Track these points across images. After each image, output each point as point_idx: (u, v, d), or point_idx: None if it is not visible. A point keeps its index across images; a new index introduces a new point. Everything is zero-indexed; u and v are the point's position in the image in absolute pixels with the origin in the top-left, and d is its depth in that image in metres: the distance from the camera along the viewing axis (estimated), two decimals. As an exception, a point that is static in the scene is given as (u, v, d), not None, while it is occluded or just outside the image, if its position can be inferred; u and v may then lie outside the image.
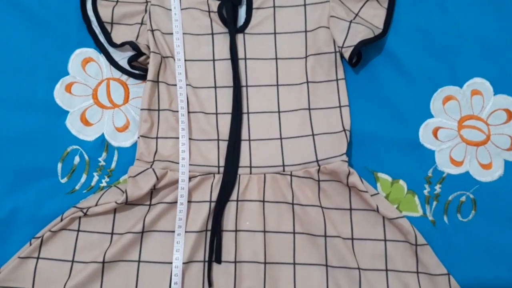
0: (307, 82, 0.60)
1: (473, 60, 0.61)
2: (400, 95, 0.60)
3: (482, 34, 0.62)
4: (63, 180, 0.58)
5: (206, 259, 0.54)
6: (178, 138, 0.58)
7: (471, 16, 0.62)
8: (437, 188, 0.58)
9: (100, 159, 0.59)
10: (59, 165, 0.58)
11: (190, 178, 0.56)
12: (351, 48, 0.59)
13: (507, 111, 0.60)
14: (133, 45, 0.59)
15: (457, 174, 0.58)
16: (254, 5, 0.63)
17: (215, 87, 0.60)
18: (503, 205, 0.56)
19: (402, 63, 0.61)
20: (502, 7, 0.62)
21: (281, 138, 0.58)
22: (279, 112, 0.59)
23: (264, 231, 0.55)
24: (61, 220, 0.54)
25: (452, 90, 0.61)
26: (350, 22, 0.60)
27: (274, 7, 0.63)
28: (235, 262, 0.54)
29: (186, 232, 0.54)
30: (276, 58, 0.61)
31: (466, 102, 0.60)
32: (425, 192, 0.58)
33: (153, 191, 0.56)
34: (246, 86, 0.60)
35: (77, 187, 0.58)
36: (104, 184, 0.58)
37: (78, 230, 0.55)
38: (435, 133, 0.59)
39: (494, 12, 0.62)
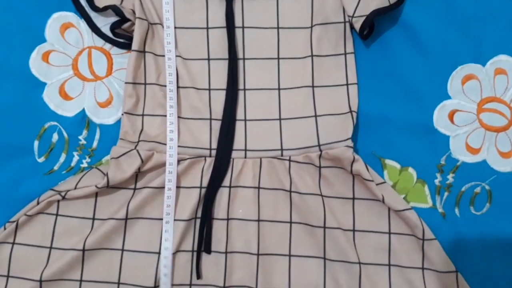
0: (312, 55, 0.53)
1: (499, 35, 0.54)
2: (415, 72, 0.53)
3: (509, 6, 0.54)
4: (40, 160, 0.52)
5: (195, 248, 0.49)
6: (166, 116, 0.51)
7: (501, -15, 0.54)
8: (450, 177, 0.52)
9: (80, 137, 0.53)
10: (36, 143, 0.52)
11: (179, 161, 0.50)
12: (363, 18, 0.51)
13: (534, 93, 0.53)
14: (116, 10, 0.52)
15: (473, 162, 0.52)
16: (255, -34, 0.55)
17: (208, 59, 0.53)
18: (521, 198, 0.51)
19: (419, 36, 0.54)
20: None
21: (280, 119, 0.52)
22: (279, 89, 0.52)
23: (258, 220, 0.49)
24: (38, 203, 0.49)
25: (473, 68, 0.53)
26: (363, -13, 0.53)
27: (277, -32, 0.55)
28: (225, 252, 0.49)
29: (174, 220, 0.49)
30: (278, 28, 0.54)
31: (488, 82, 0.53)
32: (436, 181, 0.52)
33: (138, 175, 0.50)
34: (243, 59, 0.53)
35: (55, 168, 0.52)
36: (85, 165, 0.52)
37: (57, 214, 0.50)
38: (451, 116, 0.53)
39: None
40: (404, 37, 0.54)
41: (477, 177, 0.52)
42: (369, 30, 0.53)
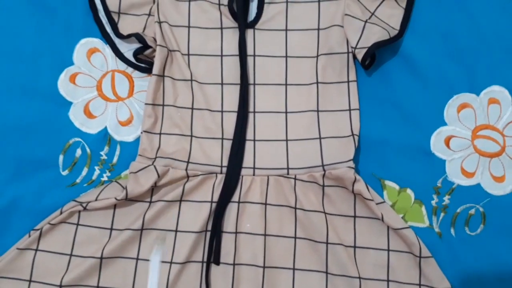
0: (317, 82, 0.56)
1: (493, 66, 0.57)
2: (414, 100, 0.57)
3: (505, 39, 0.57)
4: (64, 173, 0.56)
5: (205, 260, 0.52)
6: (181, 135, 0.55)
7: (495, 19, 0.58)
8: (446, 199, 0.54)
9: (102, 153, 0.56)
10: (61, 157, 0.56)
11: (192, 177, 0.54)
12: (365, 50, 0.55)
13: (525, 122, 0.56)
14: (139, 37, 0.56)
15: (467, 185, 0.54)
16: (266, 0, 0.59)
17: (222, 83, 0.57)
18: (514, 220, 0.53)
19: (417, 66, 0.57)
20: (528, 12, 0.58)
21: (286, 140, 0.55)
22: (286, 112, 0.56)
23: (265, 235, 0.52)
24: (61, 213, 0.52)
25: (468, 97, 0.56)
26: (366, 21, 0.56)
27: (287, 2, 0.59)
28: (233, 264, 0.51)
29: (185, 232, 0.52)
30: (286, 56, 0.57)
31: (482, 110, 0.56)
32: (433, 202, 0.54)
33: (153, 188, 0.53)
34: (254, 84, 0.57)
35: (78, 180, 0.55)
36: (105, 178, 0.56)
37: (78, 224, 0.53)
38: (447, 142, 0.56)
39: (519, 17, 0.58)
40: (403, 67, 0.58)
41: (472, 199, 0.54)
42: (371, 60, 0.56)
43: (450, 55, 0.57)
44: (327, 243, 0.51)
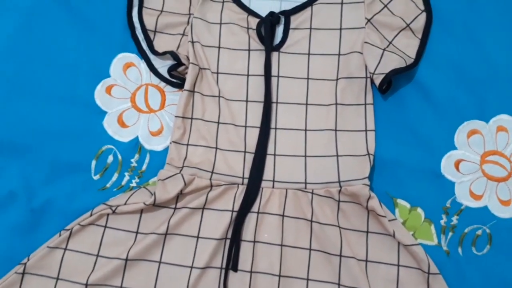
0: (336, 104, 0.59)
1: (502, 96, 0.59)
2: (426, 124, 0.59)
3: (513, 72, 0.60)
4: (96, 177, 0.58)
5: (224, 266, 0.54)
6: (207, 147, 0.58)
7: (505, 51, 0.61)
8: (454, 219, 0.56)
9: (132, 160, 0.59)
10: (93, 162, 0.58)
11: (215, 186, 0.56)
12: (382, 76, 0.58)
13: (531, 150, 0.58)
14: (174, 55, 0.59)
15: (475, 207, 0.56)
16: (292, 26, 0.62)
17: (247, 101, 0.60)
18: (519, 242, 0.55)
19: (431, 93, 0.60)
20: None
21: (305, 156, 0.57)
22: (305, 130, 0.58)
23: (282, 245, 0.54)
24: (91, 215, 0.55)
25: (478, 124, 0.59)
26: (384, 50, 0.59)
27: (310, 28, 0.62)
28: (250, 272, 0.53)
29: (207, 238, 0.54)
30: (308, 78, 0.60)
31: (490, 137, 0.58)
32: (442, 222, 0.56)
33: (179, 196, 0.56)
34: (276, 102, 0.60)
35: (108, 185, 0.58)
36: (134, 184, 0.58)
37: (105, 226, 0.55)
38: (457, 165, 0.58)
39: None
40: (418, 93, 0.60)
41: (479, 220, 0.56)
42: (387, 85, 0.59)
43: (461, 84, 0.60)
44: (340, 255, 0.53)
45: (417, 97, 0.60)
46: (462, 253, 0.55)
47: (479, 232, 0.55)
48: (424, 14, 0.61)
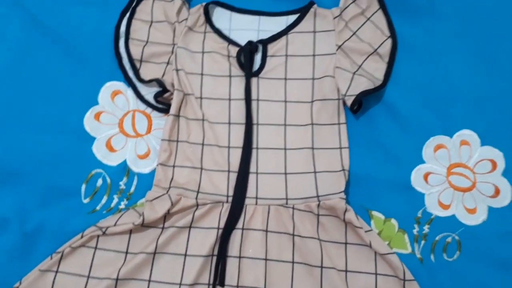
0: (312, 124, 0.62)
1: (463, 113, 0.64)
2: (395, 141, 0.63)
3: (473, 89, 0.65)
4: (86, 201, 0.60)
5: (211, 282, 0.55)
6: (192, 167, 0.60)
7: (465, 72, 0.65)
8: (426, 228, 0.59)
9: (121, 183, 0.61)
10: (83, 186, 0.60)
11: (201, 205, 0.58)
12: (353, 97, 0.62)
13: (492, 161, 0.62)
14: (159, 82, 0.62)
15: (444, 216, 0.60)
16: (269, 53, 0.66)
17: (229, 123, 0.63)
18: (485, 247, 0.58)
19: (398, 112, 0.64)
20: (494, 64, 0.65)
21: (285, 173, 0.60)
22: (285, 149, 0.61)
23: (266, 259, 0.56)
24: (82, 237, 0.56)
25: (443, 139, 0.63)
26: (354, 73, 0.64)
27: (286, 55, 0.66)
28: (237, 286, 0.55)
29: (194, 256, 0.56)
30: (285, 101, 0.64)
31: (455, 151, 0.63)
32: (414, 231, 0.59)
33: (166, 215, 0.58)
34: (257, 124, 0.63)
35: (97, 208, 0.59)
36: (122, 206, 0.60)
37: (96, 248, 0.56)
38: (425, 177, 0.61)
39: (486, 71, 0.65)
40: (386, 112, 0.64)
41: (448, 228, 0.59)
42: (358, 106, 0.63)
43: (426, 103, 0.64)
44: (321, 267, 0.55)
45: (386, 116, 0.64)
46: (435, 259, 0.58)
47: (449, 239, 0.59)
48: (390, 40, 0.66)
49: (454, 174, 0.62)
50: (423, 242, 0.59)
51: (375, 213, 0.60)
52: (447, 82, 0.65)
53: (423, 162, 0.62)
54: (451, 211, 0.60)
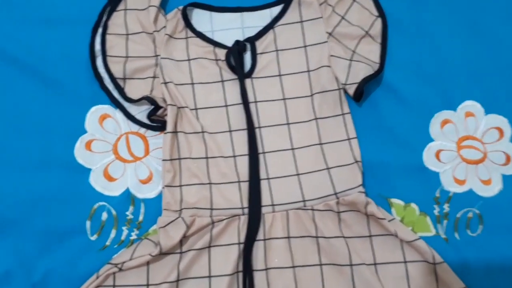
0: (316, 118, 0.59)
1: (463, 85, 0.62)
2: (401, 123, 0.60)
3: (468, 61, 0.63)
4: (93, 238, 0.55)
5: (241, 300, 0.52)
6: (200, 184, 0.56)
7: (457, 45, 0.64)
8: (446, 207, 0.58)
9: (127, 213, 0.56)
10: (88, 223, 0.55)
11: (217, 222, 0.54)
12: (355, 85, 0.59)
13: (499, 129, 0.61)
14: (149, 100, 0.57)
15: (461, 192, 0.58)
16: (258, 51, 0.62)
17: (230, 131, 0.59)
18: (507, 217, 0.57)
19: (399, 93, 0.61)
20: (485, 34, 0.64)
21: (298, 174, 0.57)
22: (292, 149, 0.58)
23: (293, 266, 0.53)
24: (97, 277, 0.51)
25: (447, 114, 0.61)
26: (350, 60, 0.61)
27: (276, 50, 0.62)
28: (269, 299, 0.52)
29: (219, 276, 0.52)
30: (284, 99, 0.60)
31: (461, 124, 0.61)
32: (435, 212, 0.57)
33: (182, 239, 0.54)
34: (259, 127, 0.59)
35: (107, 243, 0.55)
36: (134, 237, 0.55)
37: (114, 286, 0.52)
38: (437, 155, 0.60)
39: (478, 39, 0.64)
40: (388, 95, 0.62)
41: (468, 204, 0.58)
42: (360, 93, 0.60)
43: (425, 80, 0.62)
44: (351, 265, 0.53)
45: (388, 99, 0.61)
46: (459, 237, 0.56)
47: (470, 214, 0.57)
48: (379, 20, 0.63)
49: (465, 148, 0.60)
50: (445, 221, 0.57)
51: (394, 201, 0.58)
52: (442, 56, 0.63)
53: (431, 140, 0.60)
54: (467, 185, 0.58)
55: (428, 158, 0.59)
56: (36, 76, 0.60)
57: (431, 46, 0.64)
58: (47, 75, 0.60)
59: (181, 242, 0.54)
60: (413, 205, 0.58)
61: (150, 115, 0.58)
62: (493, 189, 0.58)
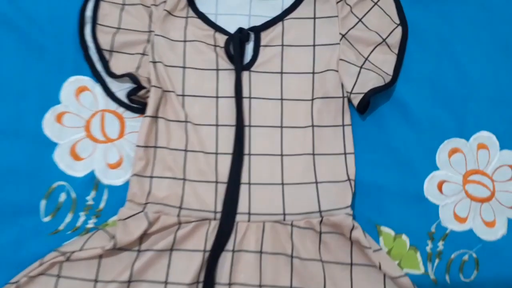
0: (313, 126, 0.53)
1: (481, 113, 0.55)
2: (407, 144, 0.54)
3: (492, 86, 0.56)
4: (46, 219, 0.49)
5: (197, 313, 0.46)
6: (173, 178, 0.50)
7: (482, 67, 0.57)
8: (440, 245, 0.51)
9: (88, 197, 0.50)
10: (43, 202, 0.49)
11: (184, 223, 0.49)
12: (361, 96, 0.52)
13: (512, 168, 0.54)
14: (133, 78, 0.51)
15: (460, 231, 0.52)
16: (262, 43, 0.56)
17: (217, 125, 0.53)
18: (505, 266, 0.50)
19: (409, 111, 0.55)
20: (514, 60, 0.57)
21: (282, 184, 0.51)
22: (282, 155, 0.52)
23: (260, 285, 0.47)
24: (41, 264, 0.46)
25: (458, 142, 0.55)
26: (360, 67, 0.54)
27: (282, 45, 0.56)
28: (227, 318, 0.46)
29: (176, 283, 0.46)
30: (282, 99, 0.54)
31: (472, 156, 0.54)
32: (428, 248, 0.51)
33: (143, 236, 0.48)
34: (249, 126, 0.53)
35: (60, 227, 0.49)
36: (90, 225, 0.49)
37: (59, 276, 0.46)
38: (440, 186, 0.53)
39: (506, 65, 0.57)
40: (396, 111, 0.55)
41: (465, 245, 0.51)
42: (365, 105, 0.53)
43: (440, 101, 0.56)
44: (324, 293, 0.47)
45: (396, 115, 0.55)
46: (450, 281, 0.50)
47: (466, 257, 0.51)
48: (400, 28, 0.56)
49: (471, 182, 0.54)
50: (437, 260, 0.51)
51: (384, 229, 0.51)
52: (463, 77, 0.56)
53: (436, 168, 0.54)
54: (468, 224, 0.52)
55: (430, 188, 0.53)
56: (19, 36, 0.54)
57: (452, 65, 0.57)
58: (31, 37, 0.54)
59: (141, 240, 0.48)
60: (404, 236, 0.51)
61: (130, 95, 0.52)
62: (496, 232, 0.52)
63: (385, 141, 0.54)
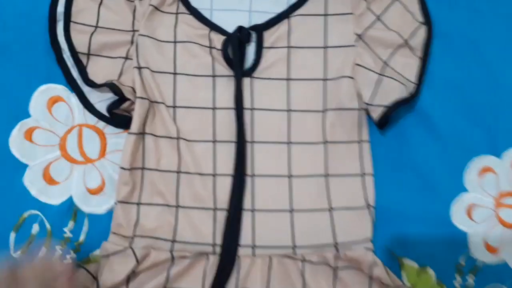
0: (325, 142, 0.46)
1: (514, 126, 0.49)
2: (430, 162, 0.47)
3: (527, 96, 0.50)
4: (16, 255, 0.42)
5: None
6: (165, 205, 0.43)
7: (515, 74, 0.50)
8: (469, 279, 0.45)
9: (65, 229, 0.43)
10: (12, 235, 0.43)
11: (178, 259, 0.42)
12: (382, 108, 0.45)
13: (550, 189, 0.48)
14: (114, 88, 0.44)
15: (492, 263, 0.46)
16: (266, 44, 0.48)
17: (214, 141, 0.46)
18: (543, 302, 0.45)
19: (434, 124, 0.48)
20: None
21: (291, 211, 0.44)
22: (290, 176, 0.45)
23: (266, 330, 0.41)
24: (9, 312, 0.39)
25: (490, 160, 0.48)
26: (380, 74, 0.47)
27: (288, 47, 0.48)
28: None
29: (170, 330, 0.40)
30: (289, 110, 0.47)
31: (505, 175, 0.48)
32: (456, 283, 0.45)
33: (130, 275, 0.41)
34: (252, 142, 0.46)
35: (33, 265, 0.42)
36: (68, 261, 0.42)
37: (31, 324, 0.40)
38: (469, 211, 0.47)
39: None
40: (419, 124, 0.48)
41: (497, 278, 0.45)
42: (386, 119, 0.47)
43: (469, 113, 0.49)
44: (339, 338, 0.41)
45: (419, 129, 0.48)
46: (481, 320, 0.45)
47: (499, 292, 0.46)
48: (424, 28, 0.49)
49: (505, 207, 0.47)
50: (466, 297, 0.45)
51: (406, 261, 0.45)
52: (494, 84, 0.50)
53: (465, 190, 0.47)
54: (501, 255, 0.46)
55: (457, 213, 0.46)
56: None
57: (485, 73, 0.50)
58: (-3, 38, 0.47)
59: (128, 280, 0.41)
60: (430, 270, 0.45)
61: (111, 109, 0.45)
62: (532, 264, 0.46)
63: (406, 159, 0.48)
